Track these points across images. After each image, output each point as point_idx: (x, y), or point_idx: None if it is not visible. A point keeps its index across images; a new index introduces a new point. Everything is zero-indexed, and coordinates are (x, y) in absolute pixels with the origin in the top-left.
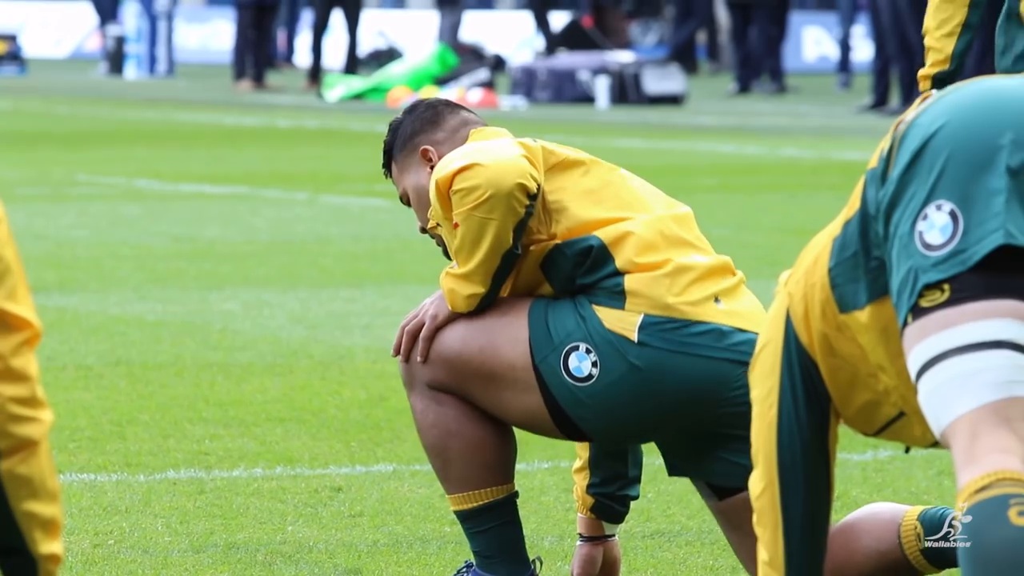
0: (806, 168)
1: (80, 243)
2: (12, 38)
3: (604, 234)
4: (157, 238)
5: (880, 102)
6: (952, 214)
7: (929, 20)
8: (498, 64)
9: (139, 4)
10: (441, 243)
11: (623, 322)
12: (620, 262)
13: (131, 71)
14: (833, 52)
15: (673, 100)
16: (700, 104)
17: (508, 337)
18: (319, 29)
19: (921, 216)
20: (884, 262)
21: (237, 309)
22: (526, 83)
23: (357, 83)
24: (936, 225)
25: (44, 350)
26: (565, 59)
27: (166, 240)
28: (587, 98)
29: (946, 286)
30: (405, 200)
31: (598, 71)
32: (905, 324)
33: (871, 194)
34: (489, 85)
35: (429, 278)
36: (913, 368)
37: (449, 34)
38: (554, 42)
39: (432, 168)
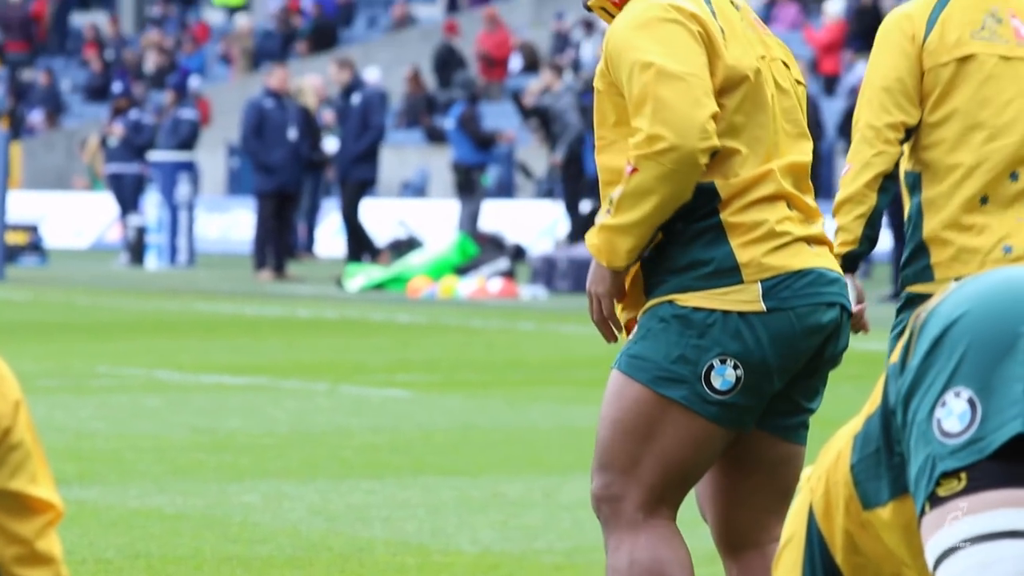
0: None
1: (100, 435)
2: (33, 229)
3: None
4: (177, 429)
5: (900, 292)
6: (970, 401)
7: (840, 197)
8: (518, 253)
9: (160, 194)
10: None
11: (746, 296)
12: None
13: (152, 261)
14: None
15: None
16: None
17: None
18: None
19: (939, 403)
20: (905, 457)
21: (257, 501)
22: (546, 272)
23: (377, 272)
24: (954, 412)
25: (63, 544)
26: (585, 248)
27: (186, 431)
28: None
29: (963, 474)
30: None
31: None
32: (923, 513)
33: (892, 387)
34: (509, 274)
35: (451, 469)
36: (930, 559)
37: (469, 223)
38: (579, 230)
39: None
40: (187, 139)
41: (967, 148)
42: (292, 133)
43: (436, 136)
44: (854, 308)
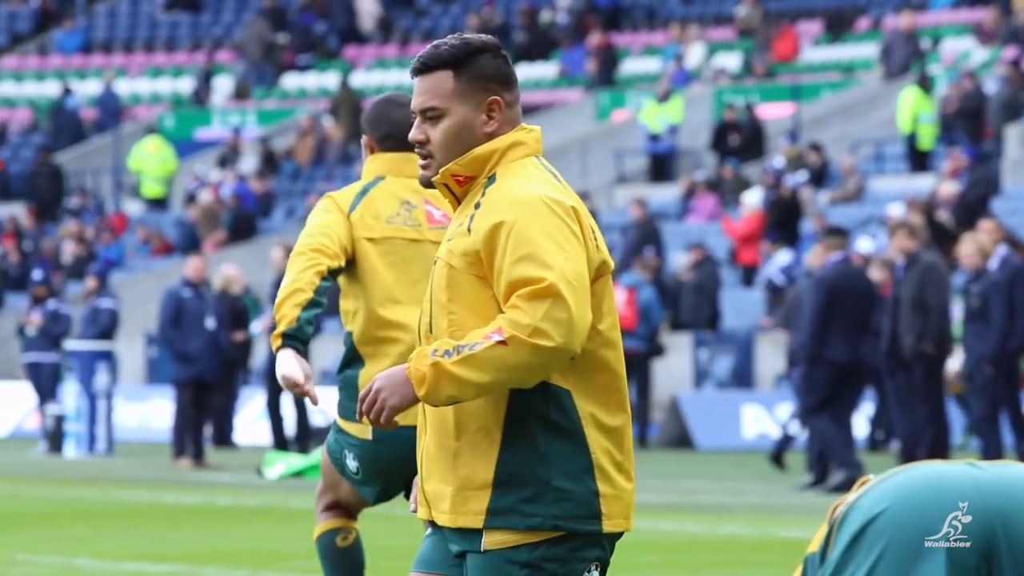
0: (747, 546)
1: None
2: None
3: None
4: None
5: (819, 480)
6: None
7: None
8: None
9: (78, 383)
10: (432, 187)
11: None
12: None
13: (70, 450)
14: (772, 430)
15: None
16: (640, 482)
17: None
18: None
19: None
20: None
21: None
22: None
23: (297, 460)
24: None
25: None
26: None
27: None
28: None
29: None
30: (426, 111)
31: None
32: None
33: None
34: None
35: None
36: None
37: None
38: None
39: (489, 118)
40: (107, 328)
41: None
42: (210, 322)
43: None
44: None
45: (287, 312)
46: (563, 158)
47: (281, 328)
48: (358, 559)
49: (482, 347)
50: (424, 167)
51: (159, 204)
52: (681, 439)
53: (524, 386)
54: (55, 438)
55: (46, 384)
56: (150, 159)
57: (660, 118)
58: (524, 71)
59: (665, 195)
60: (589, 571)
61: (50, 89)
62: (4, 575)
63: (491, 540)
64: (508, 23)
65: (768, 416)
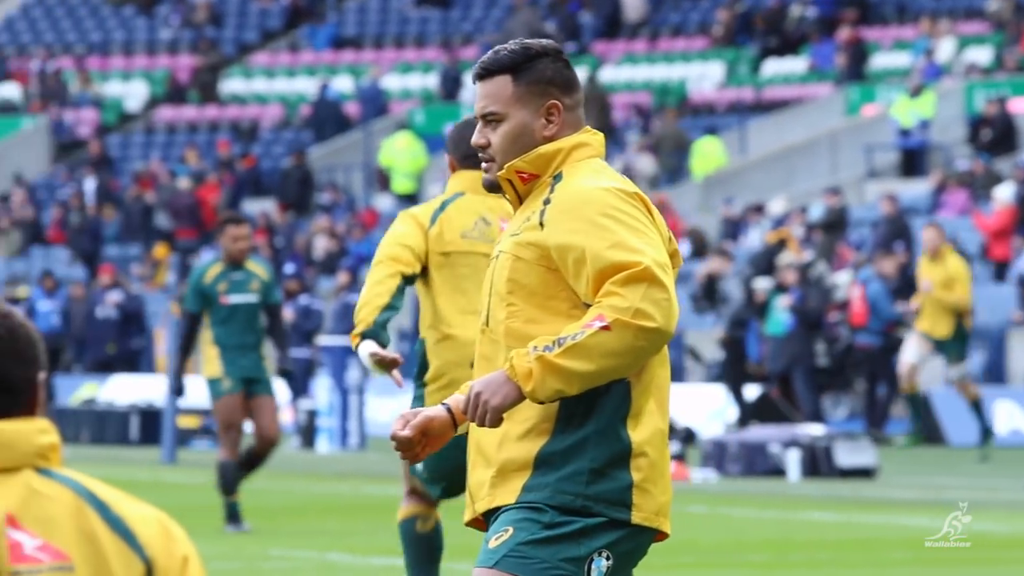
0: (1000, 542)
1: None
2: (205, 413)
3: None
4: None
5: None
6: None
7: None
8: (688, 437)
9: (330, 379)
10: (495, 188)
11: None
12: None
13: (323, 445)
14: None
15: (865, 473)
16: (892, 477)
17: None
18: None
19: None
20: None
21: None
22: (717, 456)
23: None
24: None
25: None
26: (756, 432)
27: None
28: (778, 471)
29: None
30: (487, 116)
31: (789, 444)
32: None
33: None
34: (680, 458)
35: None
36: None
37: None
38: (747, 415)
39: (548, 122)
40: None
41: None
42: None
43: None
44: None
45: (365, 316)
46: (812, 153)
47: (359, 330)
48: (436, 543)
49: (585, 335)
50: (486, 170)
51: (410, 199)
52: (932, 435)
53: (626, 374)
54: (308, 433)
55: (298, 380)
56: (401, 155)
57: (911, 113)
58: (773, 66)
59: (916, 190)
60: (600, 555)
61: (301, 86)
62: (258, 569)
63: (519, 499)
64: (748, 16)
65: (1021, 412)
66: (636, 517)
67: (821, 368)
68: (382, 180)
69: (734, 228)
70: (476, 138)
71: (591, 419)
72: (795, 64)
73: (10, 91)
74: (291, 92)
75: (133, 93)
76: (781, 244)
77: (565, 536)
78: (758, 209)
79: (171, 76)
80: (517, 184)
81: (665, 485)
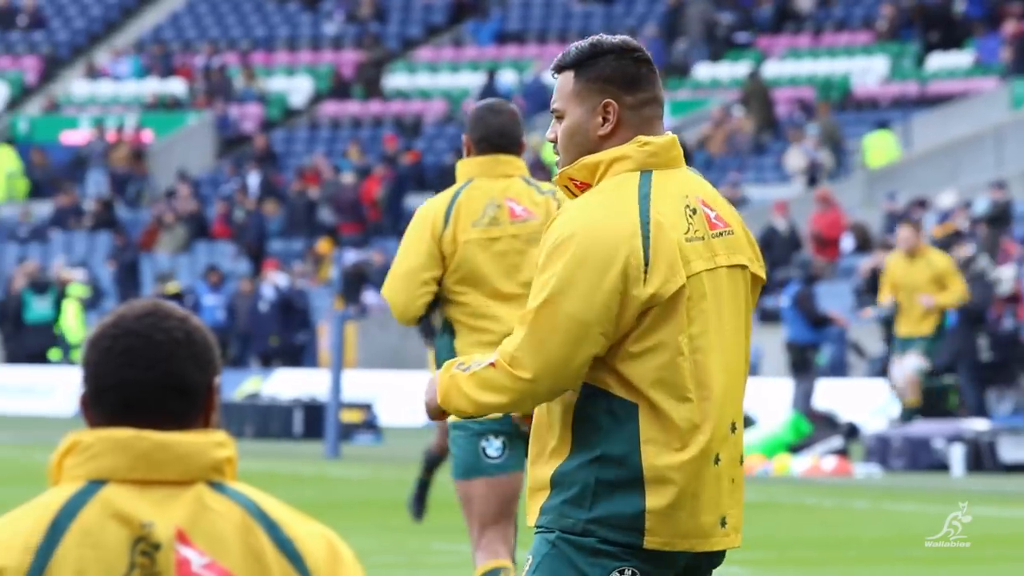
0: None
1: None
2: (368, 407)
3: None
4: None
5: None
6: None
7: None
8: (852, 432)
9: None
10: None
11: None
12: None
13: None
14: None
15: None
16: None
17: None
18: None
19: None
20: None
21: None
22: (880, 451)
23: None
24: None
25: None
26: (920, 427)
27: None
28: (942, 466)
29: None
30: (554, 111)
31: (953, 439)
32: None
33: None
34: (843, 453)
35: None
36: None
37: (803, 402)
38: (909, 411)
39: (604, 120)
40: None
41: None
42: None
43: (768, 315)
44: None
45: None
46: (977, 147)
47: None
48: None
49: (480, 367)
50: (558, 164)
51: None
52: None
53: (515, 411)
54: None
55: None
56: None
57: None
58: (937, 60)
59: None
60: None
61: (464, 81)
62: (421, 563)
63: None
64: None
65: None
66: (650, 543)
67: (985, 363)
68: (545, 175)
69: (898, 223)
70: (548, 133)
71: (601, 442)
72: (960, 58)
73: (175, 87)
74: (455, 87)
75: (297, 88)
76: (957, 235)
77: (574, 565)
78: (921, 204)
79: (335, 71)
80: (573, 190)
81: (701, 507)
